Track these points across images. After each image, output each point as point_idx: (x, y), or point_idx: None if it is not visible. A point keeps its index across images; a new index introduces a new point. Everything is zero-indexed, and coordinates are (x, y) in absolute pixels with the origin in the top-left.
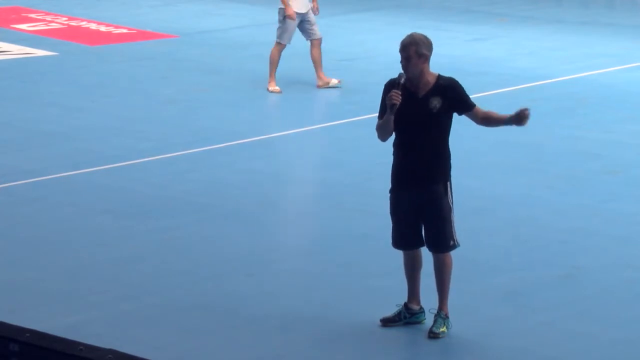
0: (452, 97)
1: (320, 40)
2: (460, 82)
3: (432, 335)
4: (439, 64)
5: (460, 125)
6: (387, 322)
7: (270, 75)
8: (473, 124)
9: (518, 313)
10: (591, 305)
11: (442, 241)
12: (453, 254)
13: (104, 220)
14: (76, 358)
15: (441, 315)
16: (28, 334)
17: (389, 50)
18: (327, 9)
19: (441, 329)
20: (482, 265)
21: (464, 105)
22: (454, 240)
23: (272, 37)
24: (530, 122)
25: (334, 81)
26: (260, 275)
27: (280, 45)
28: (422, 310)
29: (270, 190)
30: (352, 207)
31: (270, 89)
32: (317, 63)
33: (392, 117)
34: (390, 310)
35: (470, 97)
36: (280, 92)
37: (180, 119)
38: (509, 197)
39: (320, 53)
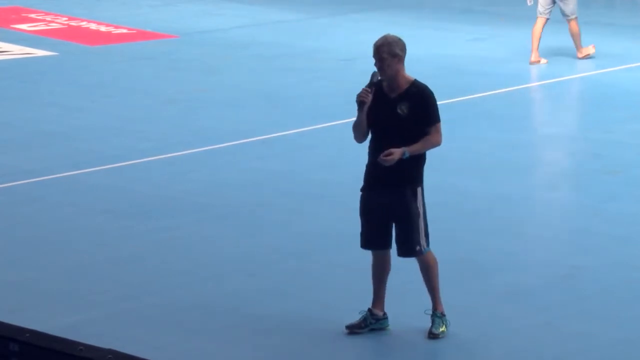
0: (418, 106)
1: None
2: (461, 82)
3: (432, 336)
4: (440, 64)
5: (460, 126)
6: (352, 329)
7: (579, 46)
8: (471, 124)
9: (518, 313)
10: (591, 305)
11: (408, 245)
12: (452, 254)
13: (104, 220)
14: (76, 358)
15: (437, 314)
16: (28, 334)
17: None
18: (327, 9)
19: (441, 329)
20: (482, 265)
21: (425, 118)
22: (420, 246)
23: (272, 37)
24: (530, 122)
25: (539, 59)
26: (260, 275)
27: (576, 19)
28: (385, 317)
29: (271, 190)
30: (352, 207)
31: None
32: (536, 38)
33: (364, 117)
34: (391, 310)
35: (470, 97)
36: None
37: (180, 119)
38: (509, 197)
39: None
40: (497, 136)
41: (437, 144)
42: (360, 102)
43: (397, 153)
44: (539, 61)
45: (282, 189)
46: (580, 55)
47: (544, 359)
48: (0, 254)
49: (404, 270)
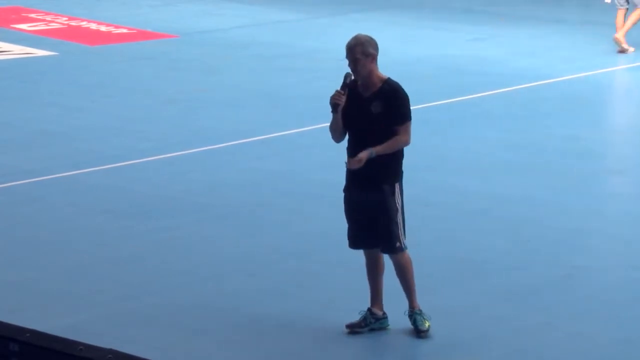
0: (390, 104)
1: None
2: (461, 82)
3: (422, 334)
4: (440, 64)
5: (459, 126)
6: (352, 328)
7: (624, 32)
8: (470, 124)
9: (518, 313)
10: (591, 305)
11: (388, 242)
12: (452, 254)
13: (104, 220)
14: (76, 358)
15: (416, 312)
16: (28, 334)
17: (389, 50)
18: (327, 9)
19: (426, 325)
20: (482, 265)
21: (395, 117)
22: (400, 242)
23: (272, 37)
24: (530, 122)
25: (629, 49)
26: (260, 275)
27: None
28: (385, 316)
29: (270, 190)
30: None
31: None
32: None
33: (339, 117)
34: (392, 309)
35: (470, 97)
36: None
37: (180, 118)
38: (509, 197)
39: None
40: (497, 136)
41: (405, 143)
42: (334, 105)
43: (364, 156)
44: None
45: (282, 189)
46: (617, 36)
47: (544, 359)
48: (0, 254)
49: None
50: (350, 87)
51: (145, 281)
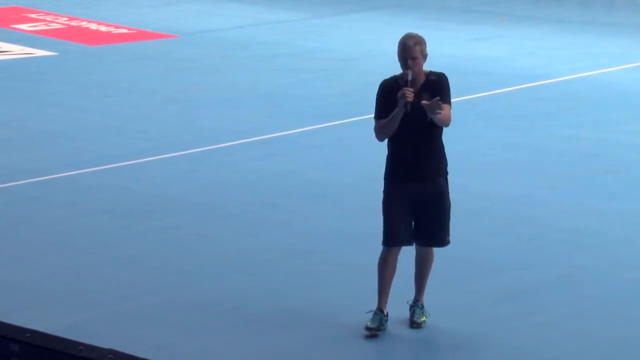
0: (435, 89)
1: None
2: (461, 82)
3: (415, 325)
4: (439, 64)
5: (460, 126)
6: (372, 331)
7: None
8: (472, 123)
9: (518, 313)
10: (591, 305)
11: (440, 236)
12: (452, 254)
13: (104, 220)
14: (76, 358)
15: (418, 305)
16: (28, 334)
17: (389, 50)
18: (327, 9)
19: (422, 319)
20: (482, 265)
21: (443, 98)
22: (449, 237)
23: (272, 37)
24: (530, 122)
25: None
26: (260, 275)
27: None
28: (387, 316)
29: (271, 190)
30: (352, 207)
31: None
32: None
33: (401, 114)
34: (392, 310)
35: (470, 97)
36: None
37: (180, 118)
38: (509, 197)
39: None
40: (497, 136)
41: (449, 120)
42: (407, 102)
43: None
44: None
45: (282, 189)
46: None
47: (543, 359)
48: (0, 254)
49: (400, 271)
50: (406, 84)
51: (145, 281)
